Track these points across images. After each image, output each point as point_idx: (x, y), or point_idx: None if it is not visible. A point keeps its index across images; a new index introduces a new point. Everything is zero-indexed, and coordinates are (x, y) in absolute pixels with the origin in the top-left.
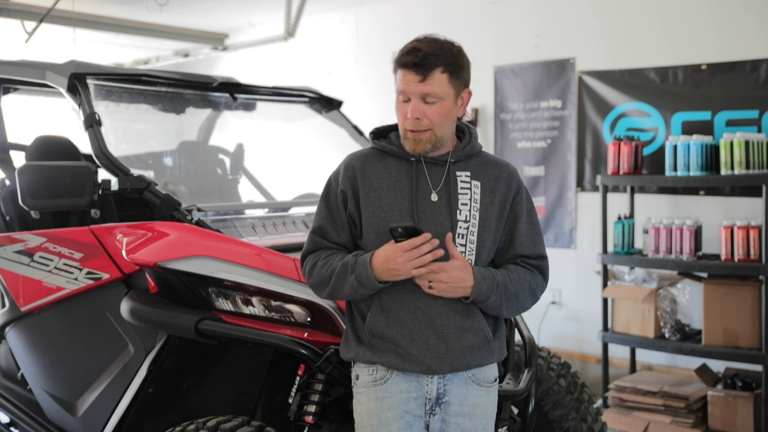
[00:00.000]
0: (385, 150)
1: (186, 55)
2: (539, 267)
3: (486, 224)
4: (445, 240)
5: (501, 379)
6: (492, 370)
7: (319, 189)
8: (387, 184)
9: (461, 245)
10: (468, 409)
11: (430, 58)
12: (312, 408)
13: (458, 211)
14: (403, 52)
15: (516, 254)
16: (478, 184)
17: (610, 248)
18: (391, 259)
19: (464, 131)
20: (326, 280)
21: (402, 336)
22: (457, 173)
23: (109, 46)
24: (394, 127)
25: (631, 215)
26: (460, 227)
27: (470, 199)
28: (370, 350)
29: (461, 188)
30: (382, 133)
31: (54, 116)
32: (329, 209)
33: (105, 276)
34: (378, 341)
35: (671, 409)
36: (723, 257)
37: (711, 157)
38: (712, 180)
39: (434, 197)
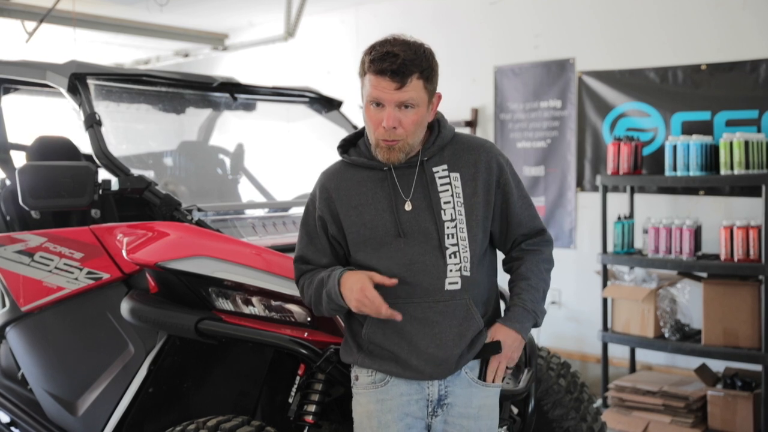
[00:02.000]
0: (355, 163)
1: (186, 55)
2: (543, 242)
3: (473, 216)
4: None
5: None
6: None
7: None
8: (365, 199)
9: (452, 245)
10: (473, 411)
11: (407, 65)
12: (312, 408)
13: (442, 212)
14: (376, 57)
15: (516, 234)
16: (458, 175)
17: (610, 248)
18: (349, 293)
19: (432, 123)
20: (311, 299)
21: (400, 347)
22: (434, 169)
23: (109, 46)
24: (360, 134)
25: (631, 215)
26: (448, 227)
27: (452, 195)
28: (369, 357)
29: (441, 186)
30: (351, 142)
31: (54, 116)
32: (309, 235)
33: (105, 276)
34: (377, 348)
35: (671, 409)
36: (723, 257)
37: (711, 157)
38: (711, 180)
39: (408, 206)
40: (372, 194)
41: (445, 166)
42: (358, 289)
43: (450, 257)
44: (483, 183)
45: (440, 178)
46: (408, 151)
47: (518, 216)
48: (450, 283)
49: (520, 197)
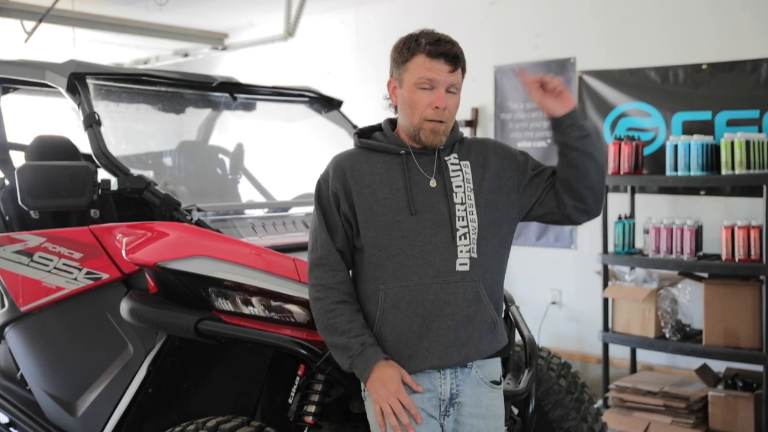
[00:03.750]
0: (372, 147)
1: (186, 55)
2: None
3: (481, 200)
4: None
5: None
6: (497, 367)
7: None
8: (380, 179)
9: (462, 227)
10: (482, 411)
11: (458, 52)
12: (312, 408)
13: (454, 194)
14: (431, 41)
15: (551, 170)
16: (468, 163)
17: (611, 248)
18: (379, 389)
19: None
20: (322, 329)
21: (411, 332)
22: (446, 158)
23: (109, 46)
24: (376, 128)
25: (632, 215)
26: (459, 210)
27: (463, 180)
28: None
29: (452, 171)
30: (365, 134)
31: (54, 116)
32: (324, 212)
33: (104, 276)
34: (383, 342)
35: (672, 410)
36: (723, 257)
37: (711, 157)
38: (712, 180)
39: (433, 183)
40: (387, 174)
41: (455, 155)
42: (387, 393)
43: (460, 239)
44: (492, 169)
45: (452, 164)
46: (447, 135)
47: (541, 166)
48: (460, 264)
49: (528, 160)
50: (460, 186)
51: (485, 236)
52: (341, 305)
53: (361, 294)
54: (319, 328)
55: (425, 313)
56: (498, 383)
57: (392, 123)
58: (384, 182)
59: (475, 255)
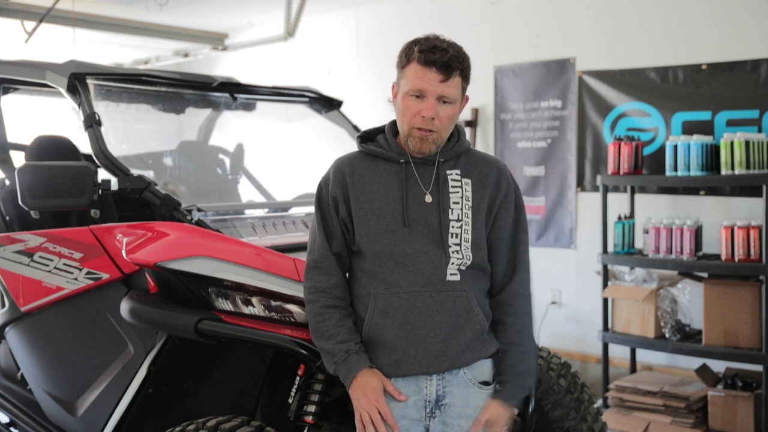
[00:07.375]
0: (373, 153)
1: (186, 55)
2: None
3: (478, 221)
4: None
5: None
6: (488, 367)
7: None
8: (377, 187)
9: (455, 245)
10: (471, 412)
11: (454, 61)
12: (312, 408)
13: (450, 211)
14: (425, 48)
15: (498, 258)
16: (469, 181)
17: (611, 248)
18: (359, 396)
19: (452, 131)
20: (311, 332)
21: (399, 338)
22: (447, 172)
23: (109, 46)
24: (380, 130)
25: (632, 215)
26: (453, 227)
27: (461, 197)
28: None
29: (452, 187)
30: (369, 137)
31: (54, 116)
32: (323, 216)
33: (105, 276)
34: (372, 347)
35: (671, 409)
36: (723, 257)
37: (711, 157)
38: (712, 180)
39: (428, 198)
40: (385, 183)
41: (458, 171)
42: (367, 402)
43: (453, 253)
44: (489, 195)
45: (452, 180)
46: (439, 144)
47: (500, 257)
48: (451, 274)
49: (514, 235)
50: (458, 203)
51: (480, 254)
52: (331, 309)
53: (355, 297)
54: (310, 331)
55: (413, 320)
56: (489, 383)
57: (395, 126)
58: (381, 191)
59: (466, 267)
